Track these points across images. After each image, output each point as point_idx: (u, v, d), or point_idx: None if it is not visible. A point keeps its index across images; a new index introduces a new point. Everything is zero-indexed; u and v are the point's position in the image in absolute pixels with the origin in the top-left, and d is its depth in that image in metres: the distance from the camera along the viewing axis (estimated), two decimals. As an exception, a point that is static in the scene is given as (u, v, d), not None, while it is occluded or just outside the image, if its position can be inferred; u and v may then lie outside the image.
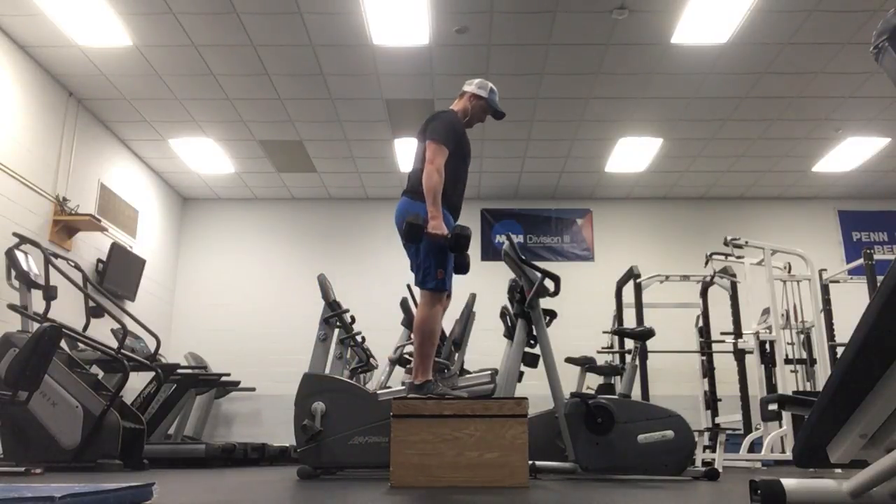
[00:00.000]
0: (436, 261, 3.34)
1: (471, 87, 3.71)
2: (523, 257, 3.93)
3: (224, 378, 7.36)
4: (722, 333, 7.18)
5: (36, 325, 4.23)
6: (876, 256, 6.14)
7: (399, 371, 6.07)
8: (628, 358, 5.69)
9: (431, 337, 3.37)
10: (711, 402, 7.08)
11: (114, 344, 4.85)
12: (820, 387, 6.15)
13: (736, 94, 6.63)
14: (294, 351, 7.88)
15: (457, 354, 5.12)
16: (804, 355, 7.03)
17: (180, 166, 8.33)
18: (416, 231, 3.23)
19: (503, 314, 4.47)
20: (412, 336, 3.70)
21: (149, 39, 5.77)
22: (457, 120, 3.58)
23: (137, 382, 6.13)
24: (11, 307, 4.65)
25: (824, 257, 8.16)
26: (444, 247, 3.32)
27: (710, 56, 6.01)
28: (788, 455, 5.40)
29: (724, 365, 7.12)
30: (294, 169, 8.42)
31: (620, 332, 6.35)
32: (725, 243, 6.30)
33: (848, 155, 7.93)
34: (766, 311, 6.78)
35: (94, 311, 5.32)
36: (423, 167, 3.37)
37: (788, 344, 6.84)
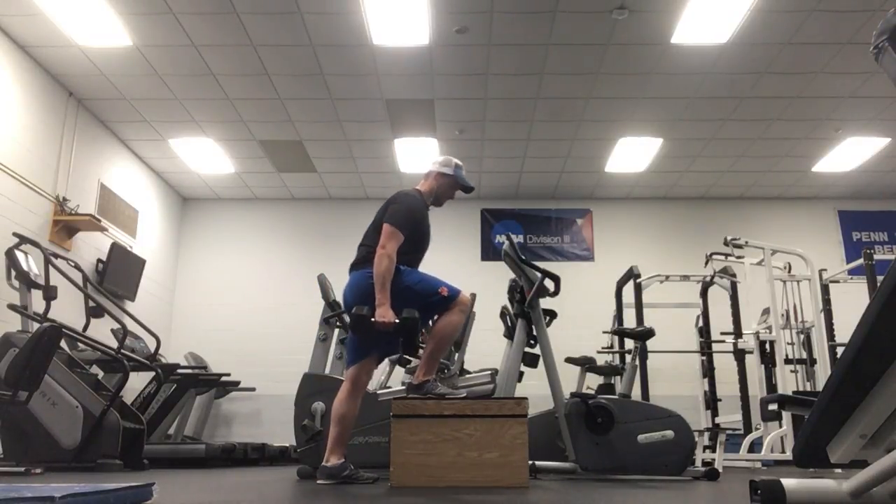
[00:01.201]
0: (432, 284, 3.33)
1: (435, 166, 3.66)
2: (523, 257, 3.93)
3: (224, 378, 7.36)
4: (722, 333, 7.18)
5: (36, 325, 4.23)
6: (876, 256, 6.14)
7: (399, 371, 6.07)
8: (628, 358, 5.69)
9: (448, 342, 3.40)
10: (711, 402, 7.08)
11: (114, 344, 4.85)
12: (820, 387, 6.15)
13: (736, 94, 6.63)
14: (294, 351, 7.88)
15: (457, 354, 5.12)
16: (804, 355, 7.03)
17: (180, 166, 8.33)
18: (363, 321, 3.17)
19: (503, 314, 4.47)
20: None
21: (149, 39, 5.77)
22: (417, 206, 3.50)
23: (137, 382, 6.13)
24: (11, 307, 4.65)
25: (824, 257, 8.17)
26: (424, 280, 3.33)
27: (710, 56, 6.01)
28: (788, 455, 5.40)
29: (724, 365, 7.12)
30: (294, 169, 8.42)
31: (620, 332, 6.35)
32: (725, 243, 6.30)
33: (848, 155, 7.93)
34: (766, 311, 6.78)
35: (94, 311, 5.32)
36: (375, 245, 3.32)
37: (788, 344, 6.84)
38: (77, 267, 5.46)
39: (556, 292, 3.81)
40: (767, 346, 6.54)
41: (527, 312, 3.92)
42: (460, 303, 3.33)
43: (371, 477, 3.33)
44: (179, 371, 6.51)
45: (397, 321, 3.17)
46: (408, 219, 3.40)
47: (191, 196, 9.30)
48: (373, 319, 3.17)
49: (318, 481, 3.27)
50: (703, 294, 7.36)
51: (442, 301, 3.31)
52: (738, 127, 7.29)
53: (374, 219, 3.51)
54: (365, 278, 3.34)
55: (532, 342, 3.95)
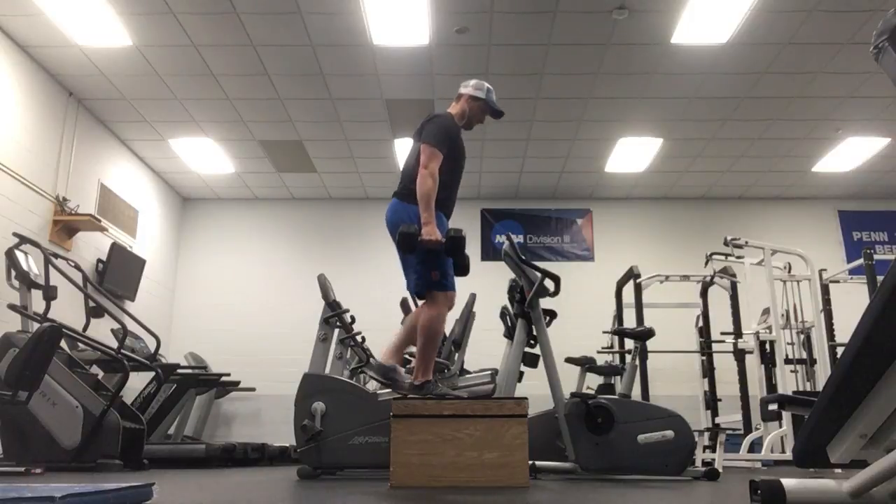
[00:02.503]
0: (430, 264, 3.31)
1: (467, 88, 3.66)
2: (523, 257, 3.93)
3: (224, 378, 7.36)
4: (722, 333, 7.19)
5: (36, 325, 4.24)
6: (876, 256, 6.13)
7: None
8: (628, 358, 5.69)
9: (435, 338, 3.35)
10: (711, 402, 7.08)
11: (114, 344, 4.85)
12: (820, 387, 6.15)
13: (736, 94, 6.63)
14: (294, 351, 7.88)
15: (457, 354, 5.12)
16: (804, 355, 7.03)
17: (180, 166, 8.34)
18: (411, 240, 3.17)
19: (503, 314, 4.47)
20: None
21: (149, 39, 5.77)
22: (452, 124, 3.53)
23: (137, 382, 6.13)
24: (11, 307, 4.65)
25: (824, 257, 8.16)
26: (440, 251, 3.30)
27: (710, 56, 6.01)
28: (788, 455, 5.40)
29: (724, 365, 7.12)
30: (294, 169, 8.42)
31: (620, 332, 6.36)
32: (725, 243, 6.30)
33: (848, 155, 7.93)
34: (766, 311, 6.78)
35: (94, 311, 5.32)
36: (417, 169, 3.35)
37: (788, 344, 6.84)
38: (77, 267, 5.46)
39: (556, 292, 3.81)
40: (767, 346, 6.54)
41: (527, 312, 3.92)
42: (442, 296, 3.32)
43: (457, 395, 3.32)
44: (179, 371, 6.51)
45: (444, 240, 3.18)
46: (444, 136, 3.40)
47: (191, 196, 9.30)
48: (420, 238, 3.17)
49: (409, 396, 3.26)
50: (703, 294, 7.36)
51: (429, 280, 3.29)
52: (738, 127, 7.30)
53: (411, 150, 3.53)
54: (397, 206, 3.39)
55: (532, 342, 3.95)
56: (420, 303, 3.52)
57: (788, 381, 6.44)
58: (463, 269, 3.45)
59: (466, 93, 3.66)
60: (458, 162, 3.53)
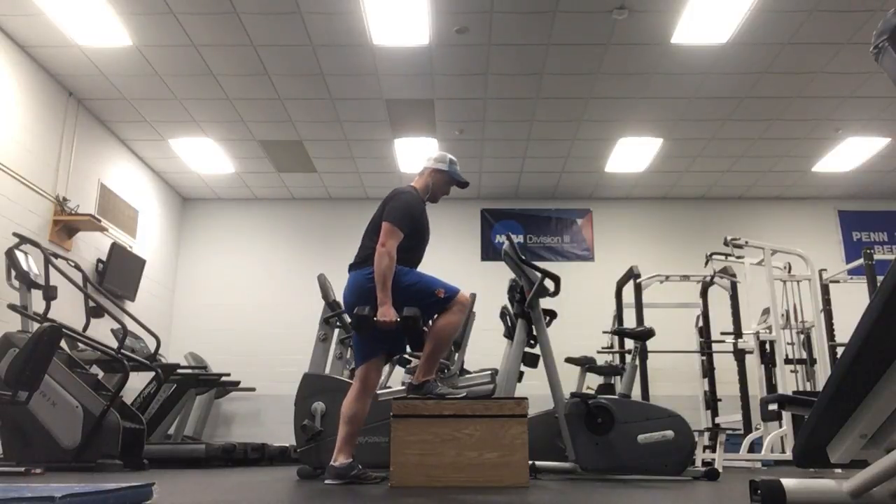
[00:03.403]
0: (431, 284, 3.32)
1: (429, 162, 3.66)
2: (523, 257, 3.93)
3: (224, 378, 7.36)
4: (722, 333, 7.19)
5: (36, 325, 4.24)
6: (876, 256, 6.13)
7: (399, 371, 6.07)
8: (628, 358, 5.69)
9: (448, 343, 3.39)
10: (711, 402, 7.08)
11: (114, 344, 4.85)
12: (820, 387, 6.15)
13: (736, 94, 6.63)
14: (294, 351, 7.89)
15: (457, 354, 5.12)
16: (804, 355, 7.03)
17: (180, 166, 8.33)
18: (366, 322, 3.19)
19: (503, 314, 4.47)
20: None
21: (149, 39, 5.77)
22: (415, 202, 3.49)
23: (137, 382, 6.13)
24: (11, 307, 4.65)
25: (824, 257, 8.17)
26: (423, 280, 3.33)
27: (710, 56, 6.01)
28: (788, 455, 5.40)
29: (724, 365, 7.11)
30: (294, 169, 8.42)
31: (620, 332, 6.35)
32: (725, 243, 6.30)
33: (848, 155, 7.92)
34: (766, 311, 6.78)
35: (94, 311, 5.32)
36: (375, 242, 3.32)
37: (788, 344, 6.84)
38: (77, 267, 5.46)
39: (556, 292, 3.81)
40: (767, 346, 6.54)
41: (527, 312, 3.92)
42: (458, 302, 3.32)
43: (378, 476, 3.33)
44: (179, 371, 6.51)
45: (398, 320, 3.17)
46: (406, 215, 3.39)
47: (191, 196, 9.29)
48: (375, 319, 3.18)
49: (326, 481, 3.27)
50: (703, 294, 7.36)
51: (439, 302, 3.30)
52: (738, 127, 7.29)
53: (373, 218, 3.51)
54: (364, 278, 3.34)
55: (532, 342, 3.95)
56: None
57: (788, 381, 6.44)
58: (419, 345, 3.42)
59: (430, 167, 3.65)
60: (420, 240, 3.50)
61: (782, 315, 6.67)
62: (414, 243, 3.44)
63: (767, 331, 6.44)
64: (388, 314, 3.18)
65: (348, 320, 5.25)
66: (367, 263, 3.35)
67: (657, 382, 7.05)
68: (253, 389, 8.02)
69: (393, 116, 7.09)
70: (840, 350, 5.80)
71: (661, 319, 6.42)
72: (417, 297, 3.28)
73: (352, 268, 3.47)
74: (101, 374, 5.47)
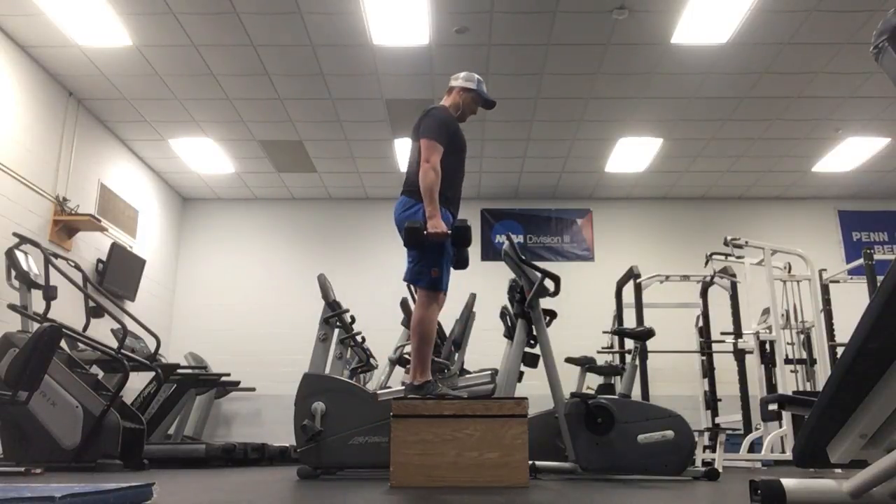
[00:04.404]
0: (432, 260, 3.32)
1: (458, 81, 3.71)
2: (523, 257, 3.93)
3: (224, 378, 7.36)
4: (722, 333, 7.18)
5: (36, 325, 4.24)
6: (876, 256, 6.14)
7: (399, 371, 6.07)
8: (628, 358, 5.69)
9: (428, 337, 3.36)
10: (711, 402, 7.08)
11: (114, 344, 4.85)
12: (820, 387, 6.15)
13: (736, 94, 6.63)
14: (294, 351, 7.88)
15: (457, 354, 5.12)
16: (804, 355, 7.03)
17: (180, 166, 8.34)
18: (417, 234, 3.21)
19: (503, 314, 4.47)
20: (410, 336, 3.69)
21: (149, 39, 5.77)
22: (448, 116, 3.57)
23: (137, 382, 6.13)
24: (11, 307, 4.65)
25: (824, 257, 8.16)
26: (443, 246, 3.31)
27: (710, 56, 6.01)
28: (788, 455, 5.40)
29: (724, 365, 7.11)
30: (294, 169, 8.43)
31: (620, 332, 6.36)
32: (725, 243, 6.29)
33: (848, 155, 7.93)
34: (766, 311, 6.78)
35: (94, 311, 5.32)
36: (419, 166, 3.35)
37: (788, 344, 6.84)
38: (77, 267, 5.46)
39: (556, 292, 3.81)
40: (767, 346, 6.54)
41: (527, 312, 3.92)
42: (433, 297, 3.33)
43: (457, 395, 3.31)
44: (179, 371, 6.50)
45: (450, 232, 3.22)
46: (442, 129, 3.45)
47: (191, 196, 9.30)
48: (426, 231, 3.20)
49: (409, 396, 3.26)
50: (703, 294, 7.36)
51: (427, 276, 3.30)
52: (738, 127, 7.30)
53: (412, 147, 3.55)
54: (404, 202, 3.40)
55: (532, 342, 3.95)
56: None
57: (788, 381, 6.44)
58: (463, 263, 3.48)
59: (458, 85, 3.70)
60: (460, 154, 3.56)
61: (782, 315, 6.67)
62: (454, 160, 3.47)
63: (767, 331, 6.44)
64: (439, 225, 3.21)
65: (348, 320, 5.28)
66: (416, 195, 3.38)
67: (657, 382, 7.05)
68: (253, 389, 8.02)
69: (393, 116, 7.09)
70: (840, 350, 5.80)
71: (661, 319, 6.41)
72: (425, 253, 3.28)
73: (403, 193, 3.50)
74: (101, 374, 5.47)
